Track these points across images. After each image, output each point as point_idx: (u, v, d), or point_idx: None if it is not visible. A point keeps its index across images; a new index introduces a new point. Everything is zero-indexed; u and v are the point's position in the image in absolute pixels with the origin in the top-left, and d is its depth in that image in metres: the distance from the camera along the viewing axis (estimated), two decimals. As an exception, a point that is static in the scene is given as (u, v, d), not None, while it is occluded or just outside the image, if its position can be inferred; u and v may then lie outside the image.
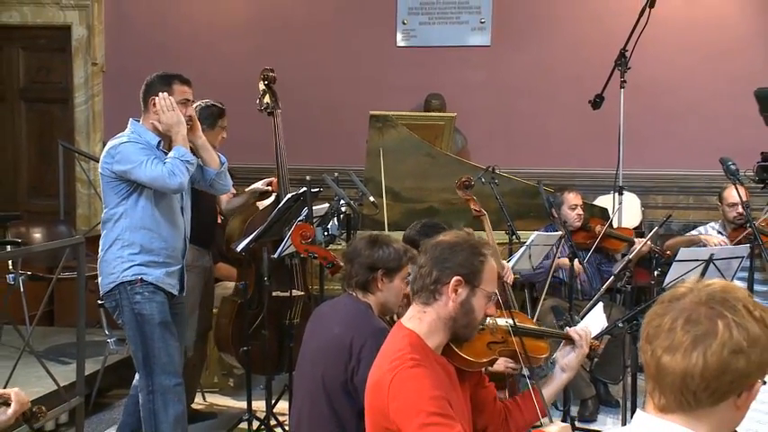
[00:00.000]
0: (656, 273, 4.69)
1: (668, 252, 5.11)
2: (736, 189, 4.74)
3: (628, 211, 6.14)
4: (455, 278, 2.43)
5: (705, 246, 5.11)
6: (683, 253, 4.66)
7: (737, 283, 4.63)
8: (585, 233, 5.48)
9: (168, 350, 3.90)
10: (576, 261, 4.83)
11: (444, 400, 2.31)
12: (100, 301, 4.12)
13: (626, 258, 4.84)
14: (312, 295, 5.00)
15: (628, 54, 5.63)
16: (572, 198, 5.47)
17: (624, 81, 5.65)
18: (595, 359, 4.03)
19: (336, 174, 4.66)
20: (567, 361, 2.78)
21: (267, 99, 5.02)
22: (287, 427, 4.42)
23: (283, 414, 4.55)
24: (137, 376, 4.03)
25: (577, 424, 4.78)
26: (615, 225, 5.61)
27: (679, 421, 1.47)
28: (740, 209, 5.09)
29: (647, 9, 5.53)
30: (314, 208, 4.21)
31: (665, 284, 4.57)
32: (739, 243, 5.03)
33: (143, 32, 7.91)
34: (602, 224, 5.43)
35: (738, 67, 6.99)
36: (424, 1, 7.57)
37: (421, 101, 7.38)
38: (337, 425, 3.01)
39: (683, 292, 1.50)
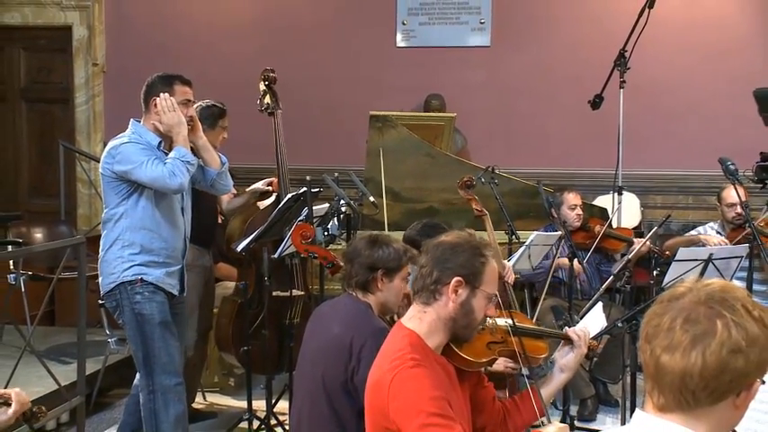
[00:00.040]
0: (655, 272, 4.69)
1: (667, 252, 5.11)
2: (735, 189, 4.74)
3: (627, 211, 6.15)
4: (455, 279, 2.44)
5: (704, 246, 5.12)
6: (682, 253, 4.67)
7: (736, 282, 4.64)
8: (585, 233, 5.48)
9: (168, 350, 3.91)
10: (575, 261, 4.83)
11: (444, 401, 2.31)
12: (100, 301, 4.12)
13: (625, 258, 4.85)
14: (312, 295, 5.00)
15: (627, 54, 5.64)
16: (571, 198, 5.48)
17: (623, 81, 5.65)
18: (595, 359, 4.05)
19: (336, 174, 4.66)
20: (565, 361, 2.79)
21: (268, 99, 5.03)
22: (287, 427, 4.42)
23: (283, 414, 4.55)
24: (138, 376, 4.04)
25: (577, 423, 4.78)
26: (614, 225, 5.62)
27: (678, 420, 1.47)
28: (739, 209, 5.10)
29: (647, 9, 5.54)
30: (314, 208, 4.21)
31: (664, 284, 4.58)
32: (738, 243, 5.04)
33: (143, 33, 7.91)
34: (601, 224, 5.44)
35: (737, 67, 7.00)
36: (423, 1, 7.58)
37: (421, 101, 7.39)
38: (337, 425, 3.01)
39: (682, 291, 1.50)
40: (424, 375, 2.33)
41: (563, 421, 4.50)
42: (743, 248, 4.83)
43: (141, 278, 3.87)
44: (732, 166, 4.56)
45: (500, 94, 7.49)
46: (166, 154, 3.87)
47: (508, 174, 5.71)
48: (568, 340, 2.80)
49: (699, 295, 1.47)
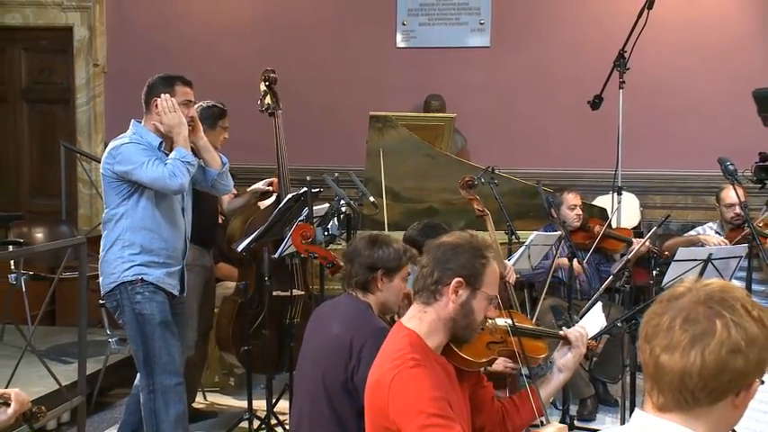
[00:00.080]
0: (654, 272, 4.70)
1: (666, 252, 5.12)
2: (735, 189, 4.74)
3: (626, 211, 6.16)
4: (456, 279, 2.44)
5: (704, 246, 5.12)
6: (682, 252, 4.68)
7: (735, 282, 4.65)
8: (584, 233, 5.49)
9: (169, 350, 3.91)
10: (575, 261, 4.84)
11: (444, 401, 2.32)
12: (101, 301, 4.12)
13: (625, 258, 4.86)
14: (312, 295, 5.00)
15: (626, 55, 5.64)
16: (571, 198, 5.48)
17: (623, 82, 5.66)
18: (594, 359, 4.06)
19: (336, 174, 4.66)
20: (564, 361, 2.79)
21: (268, 100, 5.04)
22: (287, 427, 4.43)
23: (284, 413, 4.56)
24: (138, 376, 4.05)
25: (576, 423, 4.79)
26: (614, 225, 5.62)
27: (677, 420, 1.47)
28: (737, 209, 5.11)
29: (646, 10, 5.55)
30: (314, 208, 4.21)
31: (663, 284, 4.59)
32: (737, 243, 5.04)
33: (144, 34, 7.92)
34: (601, 224, 5.45)
35: (737, 67, 7.01)
36: (423, 2, 7.59)
37: (421, 101, 7.39)
38: (338, 424, 3.01)
39: (681, 291, 1.50)
40: (424, 375, 2.34)
41: (563, 421, 4.51)
42: (742, 248, 4.84)
43: (141, 278, 3.88)
44: (731, 167, 4.56)
45: (500, 95, 7.50)
46: (167, 154, 3.88)
47: (508, 174, 5.71)
48: (566, 341, 2.81)
49: (698, 295, 1.48)
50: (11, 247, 5.70)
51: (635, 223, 6.76)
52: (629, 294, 4.75)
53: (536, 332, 3.01)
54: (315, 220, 4.17)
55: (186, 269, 4.15)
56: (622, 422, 4.04)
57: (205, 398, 5.46)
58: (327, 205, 4.35)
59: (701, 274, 4.48)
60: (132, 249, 3.89)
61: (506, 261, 4.59)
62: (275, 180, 4.97)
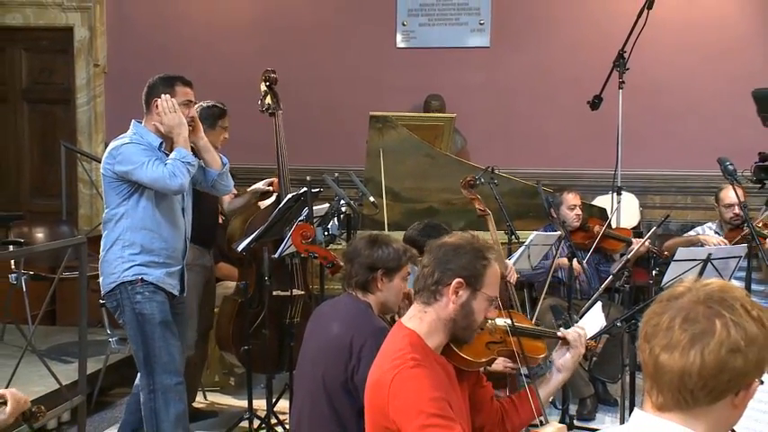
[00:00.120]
0: (654, 272, 4.71)
1: (666, 252, 5.13)
2: (734, 189, 4.74)
3: (626, 211, 6.16)
4: (456, 280, 2.44)
5: (704, 246, 5.13)
6: (681, 252, 4.68)
7: (735, 282, 4.66)
8: (584, 233, 5.50)
9: (169, 349, 3.92)
10: (575, 261, 4.84)
11: (444, 401, 2.32)
12: (101, 301, 4.13)
13: (624, 258, 4.87)
14: (312, 295, 5.01)
15: (626, 55, 5.64)
16: (571, 198, 5.49)
17: (622, 82, 5.66)
18: (594, 358, 4.06)
19: (336, 174, 4.67)
20: (562, 361, 2.79)
21: (269, 100, 5.04)
22: (287, 426, 4.43)
23: (284, 413, 4.56)
24: (139, 375, 4.05)
25: (576, 422, 4.79)
26: (614, 225, 5.63)
27: (676, 420, 1.47)
28: (737, 209, 5.11)
29: (646, 10, 5.55)
30: (314, 208, 4.22)
31: (663, 284, 4.59)
32: (737, 244, 5.05)
33: (145, 34, 7.93)
34: (600, 224, 5.45)
35: (736, 67, 7.01)
36: (423, 2, 7.59)
37: (420, 102, 7.40)
38: (338, 424, 3.02)
39: (681, 291, 1.50)
40: (424, 376, 2.34)
41: (562, 420, 4.51)
42: (741, 248, 4.84)
43: (142, 278, 3.89)
44: (731, 167, 4.56)
45: (499, 95, 7.50)
46: (167, 155, 3.88)
47: (507, 174, 5.72)
48: (565, 341, 2.81)
49: (698, 295, 1.48)
50: (11, 247, 5.70)
51: (634, 223, 6.76)
52: (629, 294, 4.76)
53: (535, 332, 3.01)
54: (315, 220, 4.18)
55: (186, 269, 4.16)
56: (622, 422, 4.05)
57: (205, 397, 5.46)
58: (327, 205, 4.35)
59: (701, 273, 4.48)
60: (132, 249, 3.90)
61: (507, 261, 4.59)
62: (275, 180, 4.98)
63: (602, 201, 6.43)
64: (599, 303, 3.72)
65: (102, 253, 3.97)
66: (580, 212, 5.52)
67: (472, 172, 4.94)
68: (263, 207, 5.09)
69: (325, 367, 3.05)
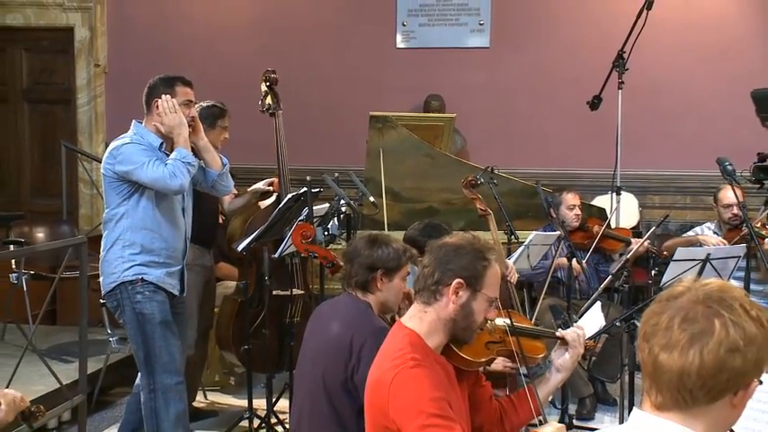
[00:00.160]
0: (653, 272, 4.71)
1: (665, 252, 5.13)
2: (733, 190, 4.75)
3: (625, 211, 6.17)
4: (456, 280, 2.45)
5: (703, 246, 5.13)
6: (680, 252, 4.68)
7: (734, 282, 4.66)
8: (583, 233, 5.50)
9: (169, 349, 3.92)
10: (574, 261, 4.84)
11: (444, 401, 2.33)
12: (102, 301, 4.13)
13: (623, 258, 4.87)
14: (312, 294, 5.01)
15: (625, 55, 5.64)
16: (570, 198, 5.49)
17: (622, 82, 5.65)
18: (593, 358, 4.06)
19: (336, 174, 4.67)
20: (561, 361, 2.79)
21: (269, 100, 5.05)
22: (287, 426, 4.44)
23: (284, 412, 4.57)
24: (139, 375, 4.06)
25: (575, 422, 4.79)
26: (613, 225, 5.63)
27: (675, 419, 1.48)
28: (735, 210, 5.12)
29: (645, 11, 5.55)
30: (314, 208, 4.22)
31: (662, 284, 4.60)
32: (736, 244, 5.05)
33: (145, 34, 7.93)
34: (599, 224, 5.46)
35: (736, 67, 7.02)
36: (423, 3, 7.60)
37: (420, 102, 7.41)
38: (338, 424, 3.02)
39: (680, 290, 1.51)
40: (424, 375, 2.34)
41: (561, 420, 4.51)
42: (740, 248, 4.85)
43: (142, 278, 3.89)
44: (730, 167, 4.57)
45: (499, 95, 7.51)
46: (168, 155, 3.89)
47: (507, 174, 5.72)
48: (564, 341, 2.82)
49: (697, 294, 1.48)
50: (12, 247, 5.71)
51: (634, 223, 6.77)
52: (628, 294, 4.75)
53: (534, 332, 3.02)
54: (315, 220, 4.18)
55: (186, 269, 4.16)
56: (621, 421, 4.05)
57: (205, 397, 5.47)
58: (327, 205, 4.35)
59: (700, 273, 4.49)
60: (132, 249, 3.91)
61: (508, 261, 4.60)
62: (275, 180, 4.98)
63: (602, 201, 6.44)
64: (598, 303, 3.72)
65: (102, 253, 3.98)
66: (579, 212, 5.52)
67: (472, 172, 4.94)
68: (263, 207, 5.09)
69: (325, 367, 3.06)
